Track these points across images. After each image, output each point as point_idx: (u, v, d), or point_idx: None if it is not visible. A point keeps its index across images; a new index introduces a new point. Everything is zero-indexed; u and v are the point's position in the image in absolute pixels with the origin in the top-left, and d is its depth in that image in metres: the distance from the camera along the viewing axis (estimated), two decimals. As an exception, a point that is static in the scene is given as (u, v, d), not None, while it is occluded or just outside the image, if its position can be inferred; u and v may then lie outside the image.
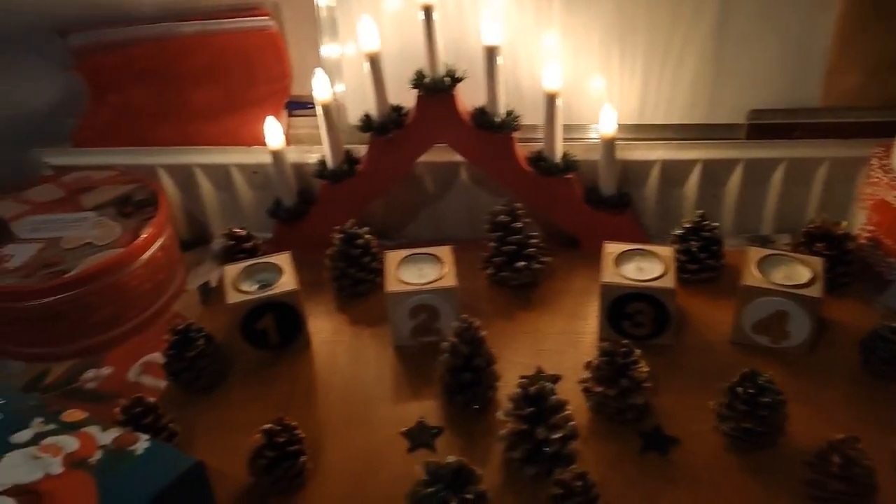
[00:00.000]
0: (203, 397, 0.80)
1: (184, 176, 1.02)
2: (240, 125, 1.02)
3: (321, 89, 0.89)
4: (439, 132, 0.91)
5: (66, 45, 0.99)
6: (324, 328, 0.87)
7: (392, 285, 0.80)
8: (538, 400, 0.66)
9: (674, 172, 0.96)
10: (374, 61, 0.86)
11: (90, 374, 0.86)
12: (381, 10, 0.91)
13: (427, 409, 0.76)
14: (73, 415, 0.62)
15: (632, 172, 0.96)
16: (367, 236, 0.90)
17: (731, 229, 0.99)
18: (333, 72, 0.96)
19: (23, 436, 0.60)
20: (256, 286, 0.83)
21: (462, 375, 0.73)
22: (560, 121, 0.89)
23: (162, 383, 0.83)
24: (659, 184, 0.97)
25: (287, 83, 1.03)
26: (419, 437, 0.73)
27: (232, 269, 0.84)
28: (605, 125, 0.89)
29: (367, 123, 0.91)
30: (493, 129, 0.89)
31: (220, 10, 0.98)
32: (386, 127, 0.90)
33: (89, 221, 0.91)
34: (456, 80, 0.87)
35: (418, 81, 0.87)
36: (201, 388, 0.80)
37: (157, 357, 0.86)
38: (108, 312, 0.87)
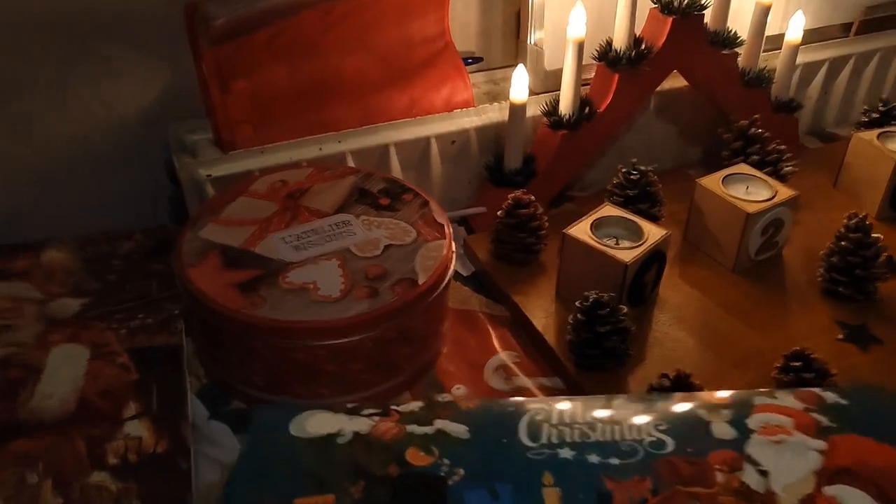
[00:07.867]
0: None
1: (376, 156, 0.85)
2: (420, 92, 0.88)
3: (577, 25, 0.81)
4: (684, 56, 0.89)
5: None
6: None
7: (749, 206, 0.78)
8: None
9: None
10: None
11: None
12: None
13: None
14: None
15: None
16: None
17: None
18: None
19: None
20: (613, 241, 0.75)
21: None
22: (764, 33, 0.94)
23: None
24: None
25: (448, 38, 0.90)
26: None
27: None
28: (793, 31, 0.96)
29: (610, 54, 0.85)
30: (725, 46, 0.90)
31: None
32: (639, 56, 0.85)
33: (356, 223, 0.72)
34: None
35: (669, 5, 0.84)
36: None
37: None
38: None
